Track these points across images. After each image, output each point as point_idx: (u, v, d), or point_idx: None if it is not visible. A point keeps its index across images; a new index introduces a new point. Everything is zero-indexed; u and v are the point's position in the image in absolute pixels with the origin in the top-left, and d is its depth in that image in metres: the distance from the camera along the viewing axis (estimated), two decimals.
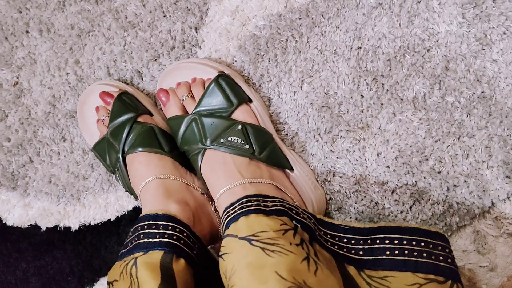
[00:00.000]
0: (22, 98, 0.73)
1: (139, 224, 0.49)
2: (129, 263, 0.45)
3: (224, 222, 0.46)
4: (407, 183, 0.58)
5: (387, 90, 0.57)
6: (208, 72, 0.60)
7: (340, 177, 0.60)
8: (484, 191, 0.55)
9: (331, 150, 0.60)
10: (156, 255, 0.45)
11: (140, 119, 0.60)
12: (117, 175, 0.59)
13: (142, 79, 0.67)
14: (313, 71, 0.59)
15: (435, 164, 0.56)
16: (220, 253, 0.44)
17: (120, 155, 0.58)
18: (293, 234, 0.43)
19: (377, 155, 0.58)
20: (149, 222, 0.48)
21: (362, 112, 0.58)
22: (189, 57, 0.64)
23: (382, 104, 0.57)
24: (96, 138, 0.65)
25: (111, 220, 0.71)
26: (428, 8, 0.54)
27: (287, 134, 0.62)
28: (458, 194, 0.55)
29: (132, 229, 0.50)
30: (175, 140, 0.60)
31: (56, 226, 0.75)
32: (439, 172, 0.56)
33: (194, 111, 0.57)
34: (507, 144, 0.53)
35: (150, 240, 0.46)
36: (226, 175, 0.52)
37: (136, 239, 0.48)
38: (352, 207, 0.60)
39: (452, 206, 0.56)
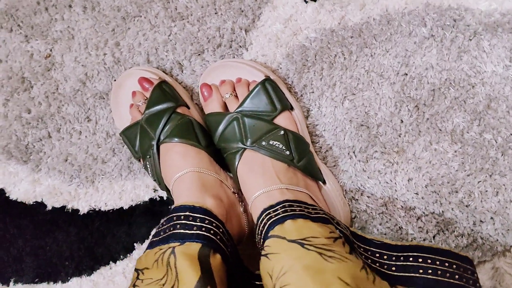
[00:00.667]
0: (52, 72, 0.72)
1: (174, 214, 0.48)
2: (166, 252, 0.44)
3: (264, 223, 0.46)
4: (434, 212, 0.59)
5: (427, 119, 0.58)
6: (254, 74, 0.60)
7: (368, 197, 0.61)
8: (508, 230, 0.57)
9: (363, 169, 0.61)
10: (194, 247, 0.44)
11: (178, 110, 0.60)
12: (147, 162, 0.59)
13: (182, 71, 0.67)
14: (357, 90, 0.61)
15: (464, 197, 0.57)
16: (264, 253, 0.44)
17: (155, 143, 0.57)
18: (342, 243, 0.43)
19: (408, 180, 0.60)
20: (186, 213, 0.47)
21: (400, 136, 0.59)
22: (234, 57, 0.65)
23: (420, 132, 0.59)
24: (126, 122, 0.65)
25: (124, 208, 0.70)
26: (478, 47, 0.56)
27: (321, 147, 0.63)
28: (483, 230, 0.57)
29: (165, 219, 0.49)
30: (211, 136, 0.60)
31: (63, 207, 0.73)
32: (467, 206, 0.57)
33: (237, 110, 0.57)
34: None
35: (187, 231, 0.46)
36: (264, 178, 0.53)
37: (171, 228, 0.47)
38: (375, 228, 0.60)
39: (476, 241, 0.57)
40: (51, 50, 0.73)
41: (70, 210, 0.73)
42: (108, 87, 0.70)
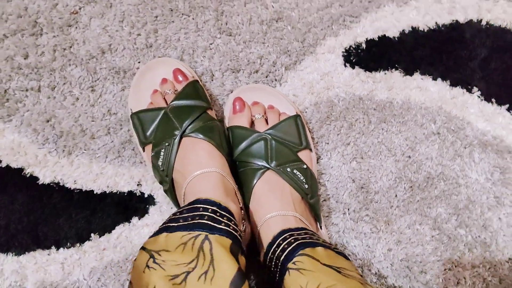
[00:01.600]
0: (72, 29, 0.69)
1: (200, 206, 0.47)
2: (199, 237, 0.42)
3: (289, 242, 0.47)
4: (402, 286, 0.65)
5: (418, 201, 0.66)
6: (287, 107, 0.65)
7: (349, 255, 0.65)
8: None
9: (352, 228, 0.66)
10: (226, 240, 0.43)
11: (208, 112, 0.61)
12: (161, 149, 0.57)
13: (212, 80, 0.69)
14: (366, 155, 0.68)
15: (431, 280, 0.64)
16: (294, 267, 0.44)
17: (179, 133, 0.56)
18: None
19: (388, 250, 0.65)
20: (214, 208, 0.47)
21: (391, 208, 0.66)
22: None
23: (408, 210, 0.66)
24: (142, 105, 0.63)
25: (95, 192, 0.65)
26: (470, 155, 0.68)
27: (320, 195, 0.67)
28: None
29: (187, 208, 0.48)
30: (230, 147, 0.61)
31: (20, 169, 0.65)
32: None
33: (266, 132, 0.60)
34: (488, 287, 0.64)
35: (216, 224, 0.45)
36: (282, 202, 0.55)
37: (198, 218, 0.45)
38: None
39: None
40: (80, 9, 0.70)
41: (27, 175, 0.64)
42: (129, 65, 0.68)
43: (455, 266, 0.64)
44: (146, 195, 0.65)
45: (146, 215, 0.64)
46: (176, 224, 0.45)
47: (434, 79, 0.70)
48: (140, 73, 0.64)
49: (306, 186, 0.57)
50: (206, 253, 0.40)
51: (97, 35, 0.68)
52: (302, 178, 0.57)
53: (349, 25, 0.71)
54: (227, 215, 0.47)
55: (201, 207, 0.47)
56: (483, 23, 0.71)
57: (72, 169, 0.64)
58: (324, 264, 0.43)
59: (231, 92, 0.68)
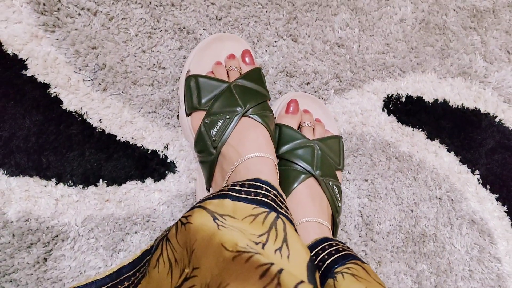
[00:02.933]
0: None
1: (263, 185, 0.48)
2: (271, 214, 0.43)
3: (336, 249, 0.50)
4: None
5: (409, 252, 0.73)
6: (332, 126, 0.69)
7: None
8: None
9: None
10: (292, 226, 0.45)
11: (268, 103, 0.63)
12: (219, 120, 0.57)
13: (266, 75, 0.72)
14: (378, 196, 0.73)
15: None
16: (350, 272, 0.47)
17: (242, 111, 0.58)
18: None
19: None
20: (275, 193, 0.48)
21: (386, 251, 0.72)
22: None
23: (399, 258, 0.72)
24: (201, 71, 0.63)
25: (117, 138, 0.62)
26: (460, 227, 0.77)
27: None
28: None
29: (248, 183, 0.48)
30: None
31: (46, 85, 0.61)
32: None
33: (314, 140, 0.64)
34: None
35: (278, 208, 0.46)
36: (320, 211, 0.58)
37: (261, 196, 0.46)
38: None
39: None
40: None
41: (52, 95, 0.60)
42: (193, 28, 0.68)
43: None
44: (169, 160, 0.63)
45: (162, 180, 0.62)
46: (237, 195, 0.45)
47: (449, 151, 0.78)
48: (209, 41, 0.64)
49: (339, 204, 0.60)
50: (279, 231, 0.41)
51: None
52: (338, 196, 0.60)
53: (396, 76, 0.78)
54: (285, 203, 0.48)
55: (264, 187, 0.47)
56: (497, 120, 0.83)
57: (102, 106, 0.61)
58: (376, 281, 0.46)
59: (279, 93, 0.70)
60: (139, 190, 0.61)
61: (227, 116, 0.56)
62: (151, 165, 0.62)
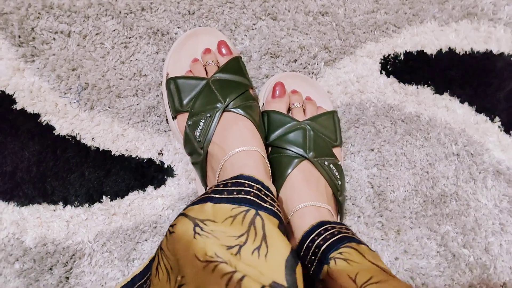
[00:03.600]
0: None
1: (246, 181, 0.48)
2: (249, 212, 0.44)
3: (332, 233, 0.50)
4: None
5: (429, 216, 0.71)
6: (325, 102, 0.67)
7: None
8: None
9: (364, 232, 0.69)
10: (274, 220, 0.45)
11: (251, 92, 0.62)
12: (201, 120, 0.57)
13: (249, 61, 0.71)
14: (387, 164, 0.71)
15: None
16: (341, 257, 0.46)
17: (222, 106, 0.57)
18: None
19: (394, 258, 0.69)
20: (259, 186, 0.48)
21: (404, 218, 0.70)
22: None
23: (420, 223, 0.70)
24: (180, 72, 0.64)
25: (112, 153, 0.65)
26: (484, 181, 0.73)
27: None
28: None
29: (231, 181, 0.49)
30: (264, 131, 0.63)
31: (37, 115, 0.64)
32: None
33: (305, 122, 0.62)
34: None
35: (261, 203, 0.46)
36: (317, 193, 0.57)
37: (243, 193, 0.47)
38: None
39: None
40: None
41: (43, 123, 0.63)
42: (167, 28, 0.68)
43: (455, 283, 0.69)
44: (165, 165, 0.65)
45: (163, 186, 0.64)
46: (220, 196, 0.46)
47: (462, 102, 0.74)
48: (182, 39, 0.64)
49: (339, 182, 0.59)
50: (258, 229, 0.41)
51: None
52: (336, 174, 0.59)
53: (391, 34, 0.74)
54: (270, 195, 0.48)
55: (246, 183, 0.48)
56: None
57: (92, 125, 0.63)
58: (370, 261, 0.45)
59: (266, 77, 0.69)
60: (142, 199, 0.64)
61: (208, 115, 0.57)
62: (149, 173, 0.64)
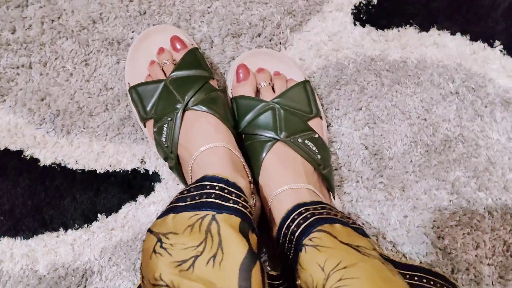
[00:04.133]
0: None
1: (208, 183, 0.48)
2: (206, 218, 0.43)
3: (305, 216, 0.48)
4: (419, 252, 0.66)
5: (434, 165, 0.67)
6: (295, 73, 0.64)
7: (363, 224, 0.67)
8: (478, 283, 0.65)
9: (365, 197, 0.66)
10: (234, 220, 0.44)
11: (211, 82, 0.60)
12: (164, 124, 0.57)
13: (212, 47, 0.68)
14: (379, 120, 0.67)
15: (448, 245, 0.66)
16: (311, 243, 0.45)
17: (182, 107, 0.56)
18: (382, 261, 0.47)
19: (403, 217, 0.66)
20: (221, 185, 0.47)
21: (406, 173, 0.67)
22: None
23: (425, 175, 0.67)
24: (140, 78, 0.63)
25: (98, 172, 0.66)
26: (491, 114, 0.67)
27: (331, 164, 0.67)
28: (459, 278, 0.65)
29: (194, 185, 0.48)
30: (235, 118, 0.61)
31: (20, 152, 0.66)
32: (449, 253, 0.65)
33: (274, 100, 0.60)
34: (509, 250, 0.65)
35: (224, 203, 0.46)
36: (294, 174, 0.55)
37: (205, 196, 0.46)
38: None
39: None
40: None
41: (28, 158, 0.66)
42: (122, 35, 0.67)
43: (474, 230, 0.66)
44: (150, 172, 0.66)
45: (152, 192, 0.66)
46: (183, 204, 0.46)
47: (453, 33, 0.68)
48: (136, 44, 0.63)
49: (319, 156, 0.57)
50: (214, 235, 0.41)
51: (87, 3, 0.68)
52: (314, 148, 0.57)
53: None
54: (235, 191, 0.47)
55: (208, 184, 0.47)
56: None
57: (73, 149, 0.66)
58: (343, 242, 0.44)
59: (233, 59, 0.67)
60: (135, 209, 0.66)
61: (169, 118, 0.57)
62: (137, 183, 0.66)
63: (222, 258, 0.41)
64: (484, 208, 0.67)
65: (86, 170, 0.67)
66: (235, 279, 0.39)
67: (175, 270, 0.40)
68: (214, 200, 0.47)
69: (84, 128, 0.67)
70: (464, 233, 0.67)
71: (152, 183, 0.67)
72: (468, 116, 0.69)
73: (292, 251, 0.49)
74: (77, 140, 0.67)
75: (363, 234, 0.50)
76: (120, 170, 0.67)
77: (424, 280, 0.54)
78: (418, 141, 0.68)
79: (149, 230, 0.47)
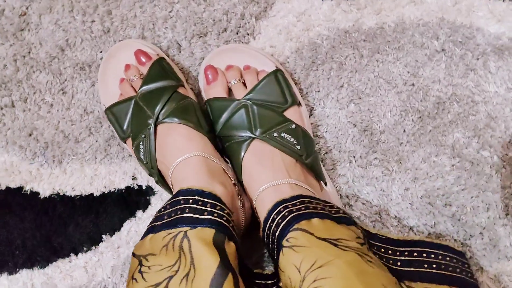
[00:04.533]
0: (25, 33, 0.69)
1: (181, 198, 0.48)
2: (178, 236, 0.44)
3: (283, 215, 0.48)
4: (426, 223, 0.64)
5: (429, 131, 0.63)
6: (264, 63, 0.62)
7: (363, 203, 0.65)
8: (495, 246, 0.62)
9: (361, 175, 0.64)
10: (208, 232, 0.45)
11: (179, 90, 0.59)
12: (140, 142, 0.57)
13: (180, 52, 0.67)
14: (364, 94, 0.65)
15: (457, 211, 0.63)
16: (288, 244, 0.45)
17: (152, 122, 0.56)
18: (367, 248, 0.46)
19: (404, 190, 0.64)
20: (195, 198, 0.48)
21: (401, 145, 0.64)
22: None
23: (421, 143, 0.64)
24: (113, 98, 0.63)
25: (94, 195, 0.68)
26: (485, 66, 0.63)
27: (320, 149, 0.66)
28: (473, 244, 0.63)
29: (169, 202, 0.49)
30: (211, 122, 0.60)
31: (20, 188, 0.69)
32: (459, 220, 0.63)
33: (246, 98, 0.59)
34: None
35: (198, 216, 0.46)
36: (274, 170, 0.54)
37: (179, 212, 0.47)
38: None
39: (465, 254, 0.62)
40: (27, 8, 0.69)
41: (28, 192, 0.69)
42: (91, 57, 0.68)
43: (483, 192, 0.63)
44: (144, 187, 0.68)
45: (150, 206, 0.68)
46: (161, 223, 0.47)
47: None
48: (103, 64, 0.64)
49: (299, 147, 0.56)
50: (186, 253, 0.42)
51: (51, 32, 0.69)
52: (292, 139, 0.56)
53: None
54: (210, 201, 0.48)
55: (182, 199, 0.48)
56: None
57: (67, 177, 0.69)
58: (320, 238, 0.44)
59: (203, 59, 0.66)
60: (136, 225, 0.68)
61: (143, 135, 0.58)
62: (133, 200, 0.69)
63: (194, 276, 0.42)
64: (490, 167, 0.64)
65: (83, 195, 0.70)
66: None
67: None
68: (188, 215, 0.47)
69: (73, 156, 0.69)
70: (472, 197, 0.64)
71: (148, 197, 0.69)
72: (460, 72, 0.65)
73: (275, 253, 0.49)
74: (69, 168, 0.70)
75: (347, 222, 0.49)
76: (115, 190, 0.69)
77: (424, 255, 0.52)
78: (409, 108, 0.65)
79: (132, 253, 0.49)
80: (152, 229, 0.49)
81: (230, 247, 0.46)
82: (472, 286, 0.51)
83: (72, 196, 0.70)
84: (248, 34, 0.67)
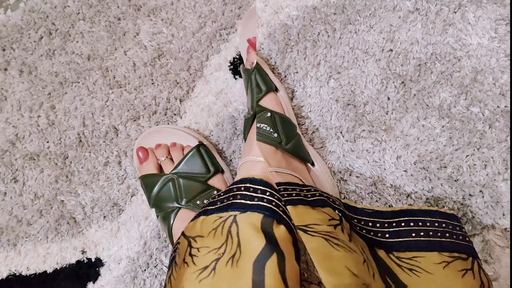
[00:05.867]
0: None
1: (234, 186, 0.66)
2: (227, 220, 0.62)
3: None
4: (423, 188, 0.68)
5: (414, 95, 0.65)
6: (188, 139, 1.10)
7: (357, 177, 0.68)
8: (497, 202, 0.70)
9: (351, 149, 0.66)
10: (256, 217, 0.59)
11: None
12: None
13: (117, 136, 1.18)
14: (342, 68, 0.62)
15: (453, 172, 0.67)
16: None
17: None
18: (341, 229, 0.45)
19: (397, 158, 0.69)
20: (246, 185, 0.67)
21: (387, 114, 0.65)
22: (169, 124, 1.00)
23: (407, 108, 0.65)
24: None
25: (48, 272, 1.01)
26: (463, 19, 0.61)
27: (307, 129, 0.67)
28: (473, 203, 0.69)
29: (223, 191, 0.68)
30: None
31: None
32: (456, 180, 0.67)
33: (172, 172, 0.96)
34: None
35: (248, 201, 0.63)
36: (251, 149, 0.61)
37: (231, 198, 0.67)
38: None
39: (466, 215, 0.69)
40: None
41: None
42: (39, 148, 1.04)
43: (478, 149, 0.64)
44: (93, 259, 1.09)
45: (99, 277, 1.06)
46: (212, 208, 0.70)
47: None
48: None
49: (276, 134, 0.89)
50: (234, 237, 0.65)
51: (2, 129, 1.06)
52: (268, 128, 1.22)
53: (226, 38, 0.66)
54: (261, 187, 0.54)
55: (234, 187, 0.81)
56: None
57: (22, 258, 1.03)
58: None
59: (136, 138, 1.31)
60: None
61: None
62: (83, 273, 0.98)
63: (240, 257, 0.42)
64: (482, 123, 0.69)
65: (37, 273, 1.01)
66: (250, 274, 0.39)
67: (195, 282, 0.38)
68: (239, 201, 0.84)
69: (27, 237, 1.08)
70: (467, 155, 0.69)
71: (97, 268, 1.09)
72: (437, 30, 0.63)
73: None
74: (23, 249, 1.08)
75: (323, 204, 0.58)
76: (67, 265, 1.02)
77: (412, 224, 0.61)
78: (390, 75, 0.64)
79: (182, 233, 0.64)
80: (204, 212, 0.71)
81: (280, 230, 0.63)
82: (466, 248, 0.53)
83: (28, 275, 1.01)
84: (175, 114, 1.19)
